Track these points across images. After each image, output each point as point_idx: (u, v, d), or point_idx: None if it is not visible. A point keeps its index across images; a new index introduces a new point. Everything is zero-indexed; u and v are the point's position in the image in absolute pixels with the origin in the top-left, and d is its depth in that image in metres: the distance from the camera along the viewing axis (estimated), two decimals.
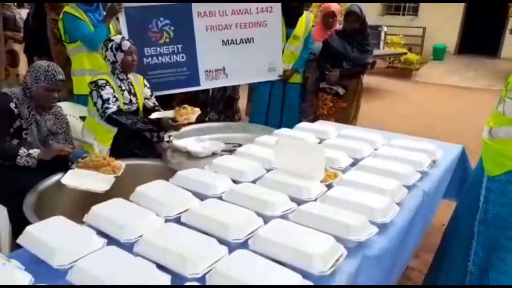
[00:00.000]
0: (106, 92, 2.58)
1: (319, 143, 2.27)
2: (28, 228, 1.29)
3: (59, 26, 3.34)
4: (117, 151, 2.70)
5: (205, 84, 3.83)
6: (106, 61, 2.73)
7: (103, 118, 2.60)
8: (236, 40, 3.84)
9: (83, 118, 3.14)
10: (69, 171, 2.16)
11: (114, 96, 2.62)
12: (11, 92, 2.28)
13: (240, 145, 2.44)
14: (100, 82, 2.60)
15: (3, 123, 2.22)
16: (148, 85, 2.95)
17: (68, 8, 3.21)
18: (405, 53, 9.88)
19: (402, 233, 1.56)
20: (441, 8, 12.15)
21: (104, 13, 3.35)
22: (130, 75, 2.80)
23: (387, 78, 9.93)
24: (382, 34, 8.75)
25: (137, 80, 2.87)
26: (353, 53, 3.77)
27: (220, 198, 1.59)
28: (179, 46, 3.65)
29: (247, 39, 3.88)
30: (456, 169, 2.36)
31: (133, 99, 2.76)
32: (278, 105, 4.13)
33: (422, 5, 12.88)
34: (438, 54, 12.07)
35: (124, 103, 2.70)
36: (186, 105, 2.81)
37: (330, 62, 3.86)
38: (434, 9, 12.30)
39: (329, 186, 1.73)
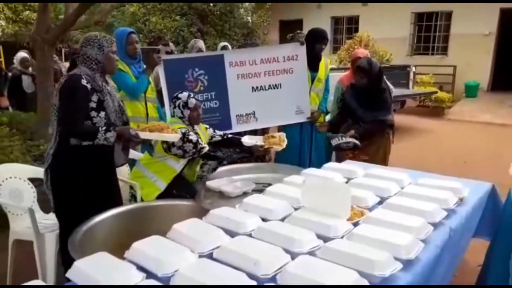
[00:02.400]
0: (192, 136, 2.81)
1: (346, 182, 2.34)
2: (76, 263, 1.43)
3: None
4: (173, 187, 2.90)
5: (237, 127, 4.00)
6: (175, 116, 2.97)
7: (198, 154, 2.85)
8: (265, 86, 4.05)
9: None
10: (139, 132, 2.46)
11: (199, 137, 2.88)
12: (78, 72, 2.39)
13: (269, 185, 2.54)
14: (183, 130, 2.80)
15: (81, 100, 2.33)
16: (207, 126, 3.24)
17: None
18: (435, 92, 9.87)
19: (428, 269, 1.58)
20: (471, 47, 12.15)
21: (144, 65, 3.64)
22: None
23: (419, 117, 9.88)
24: (411, 74, 8.82)
25: (198, 127, 3.09)
26: (363, 112, 3.47)
27: (250, 235, 1.68)
28: (213, 93, 3.88)
29: (275, 85, 4.07)
30: (486, 207, 2.35)
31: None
32: (307, 145, 4.25)
33: (451, 44, 12.92)
34: (471, 91, 11.95)
35: None
36: (275, 134, 3.24)
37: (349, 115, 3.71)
38: (464, 47, 12.32)
39: (355, 224, 1.79)
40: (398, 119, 9.42)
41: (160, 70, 3.64)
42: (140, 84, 3.47)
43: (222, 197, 2.68)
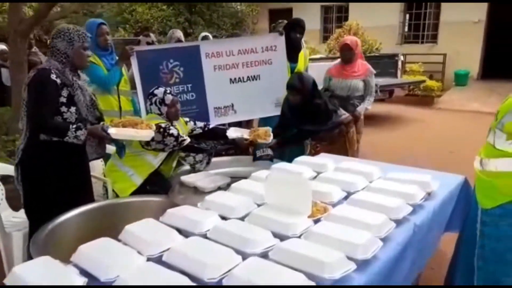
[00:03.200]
0: (173, 130, 2.75)
1: (315, 177, 2.28)
2: (15, 269, 1.36)
3: None
4: (148, 182, 2.84)
5: (215, 120, 3.92)
6: (152, 112, 2.89)
7: (179, 147, 2.78)
8: (243, 78, 3.98)
9: None
10: (111, 128, 2.40)
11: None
12: (48, 66, 2.33)
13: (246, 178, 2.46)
14: (163, 125, 2.73)
15: (50, 95, 2.28)
16: (187, 119, 3.15)
17: None
18: (423, 81, 9.80)
19: (387, 268, 1.53)
20: (461, 34, 12.07)
21: (117, 57, 3.54)
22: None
23: (408, 106, 9.84)
24: (399, 63, 8.75)
25: (178, 121, 3.02)
26: (297, 124, 3.34)
27: (205, 235, 1.62)
28: (189, 85, 3.80)
29: (254, 76, 4.01)
30: (458, 200, 2.30)
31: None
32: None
33: (441, 32, 12.84)
34: (460, 79, 11.90)
35: None
36: (261, 129, 3.19)
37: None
38: (454, 35, 12.23)
39: (317, 221, 1.74)
40: (386, 108, 9.45)
41: (133, 62, 3.55)
42: (111, 77, 3.38)
43: (196, 192, 2.61)
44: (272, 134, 3.19)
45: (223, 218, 1.80)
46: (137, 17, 12.56)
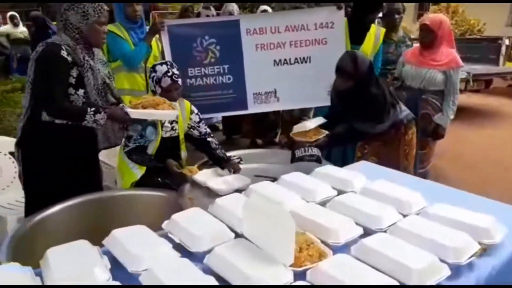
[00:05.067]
0: (134, 129, 2.45)
1: (329, 200, 1.72)
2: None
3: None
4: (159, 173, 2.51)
5: (253, 108, 3.49)
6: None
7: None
8: (290, 60, 3.45)
9: None
10: (130, 109, 2.19)
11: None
12: (59, 40, 2.13)
13: (275, 180, 1.97)
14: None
15: (61, 72, 2.11)
16: (196, 111, 2.71)
17: (111, 26, 3.11)
18: None
19: None
20: None
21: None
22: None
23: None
24: (503, 48, 7.38)
25: (182, 106, 2.63)
26: (349, 118, 2.69)
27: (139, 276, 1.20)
28: (226, 66, 3.38)
29: (303, 58, 3.45)
30: None
31: (175, 126, 2.55)
32: None
33: None
34: None
35: (166, 131, 2.52)
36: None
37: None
38: None
39: (300, 276, 1.21)
40: (482, 101, 8.14)
41: (163, 37, 3.21)
42: (137, 53, 3.08)
43: (210, 194, 2.19)
44: (322, 132, 2.64)
45: (185, 250, 1.36)
46: None
